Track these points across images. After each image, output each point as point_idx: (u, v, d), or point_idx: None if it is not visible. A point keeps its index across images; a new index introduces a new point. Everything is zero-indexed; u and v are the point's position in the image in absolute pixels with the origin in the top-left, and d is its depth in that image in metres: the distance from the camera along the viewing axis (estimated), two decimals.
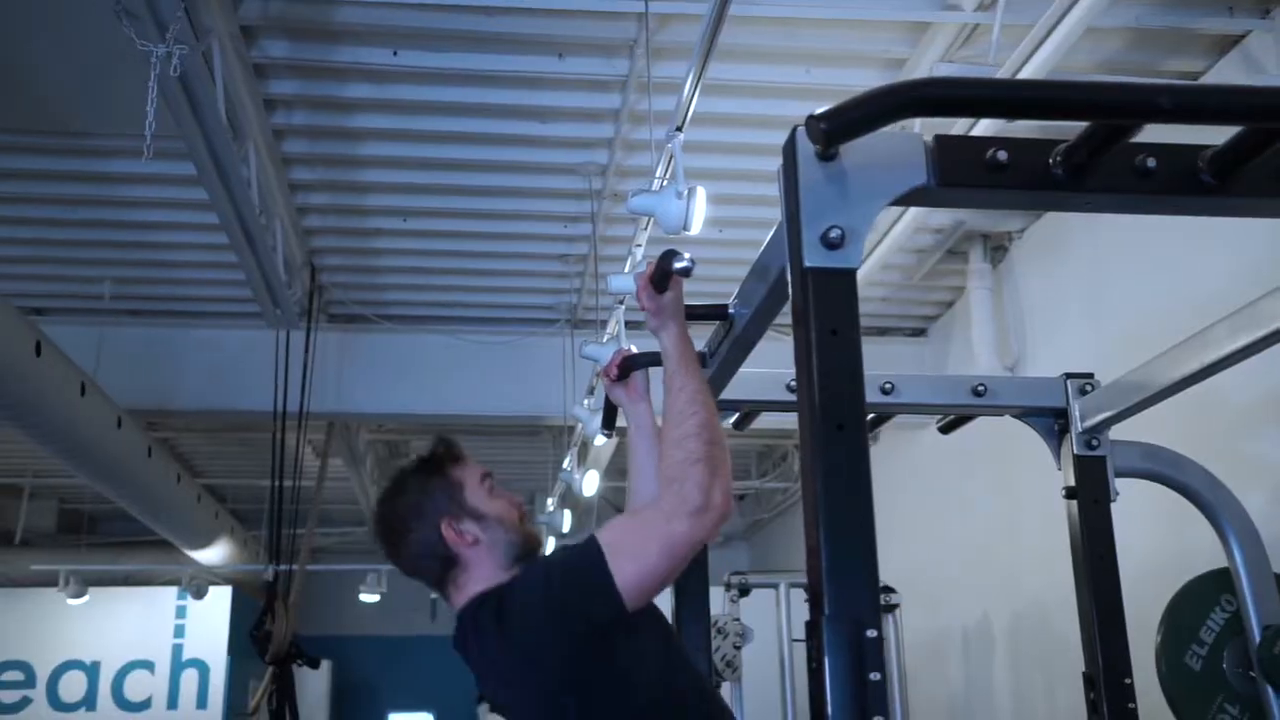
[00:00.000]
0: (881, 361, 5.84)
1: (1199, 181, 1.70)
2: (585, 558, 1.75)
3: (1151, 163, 1.68)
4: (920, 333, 6.03)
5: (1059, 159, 1.65)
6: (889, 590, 5.33)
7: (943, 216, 4.75)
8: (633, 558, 1.76)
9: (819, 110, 1.52)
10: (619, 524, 1.85)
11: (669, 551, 1.74)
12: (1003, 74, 3.27)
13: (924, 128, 3.00)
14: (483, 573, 1.87)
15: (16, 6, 3.29)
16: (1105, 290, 4.39)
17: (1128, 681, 2.65)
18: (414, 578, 1.96)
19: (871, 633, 1.52)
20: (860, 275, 4.43)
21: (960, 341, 5.46)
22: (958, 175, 1.66)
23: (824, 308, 1.62)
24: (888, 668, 5.26)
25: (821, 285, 1.62)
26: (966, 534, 5.47)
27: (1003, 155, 1.65)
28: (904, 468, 6.39)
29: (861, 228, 1.63)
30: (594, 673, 1.75)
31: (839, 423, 1.60)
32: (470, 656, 1.88)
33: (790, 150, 1.62)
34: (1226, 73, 3.68)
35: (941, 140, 1.65)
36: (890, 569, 5.63)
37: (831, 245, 1.64)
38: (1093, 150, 1.62)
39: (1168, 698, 2.81)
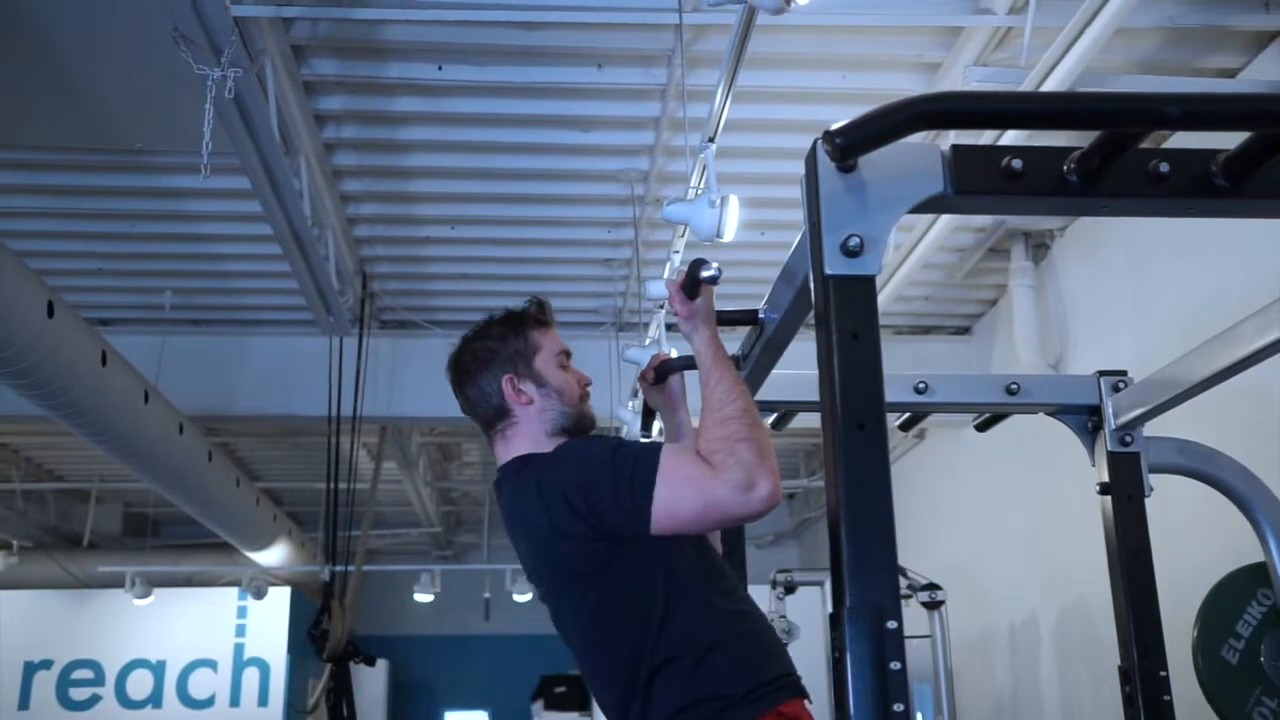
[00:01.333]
0: (926, 360, 5.89)
1: (1212, 185, 1.74)
2: (641, 459, 1.81)
3: (1165, 168, 1.73)
4: (965, 331, 6.04)
5: (1073, 166, 1.70)
6: (935, 587, 5.37)
7: (984, 215, 4.79)
8: (675, 492, 1.79)
9: (834, 126, 1.60)
10: (684, 456, 1.84)
11: (704, 509, 1.79)
12: (1034, 76, 3.32)
13: (942, 137, 3.06)
14: (529, 431, 1.98)
15: (79, 31, 3.44)
16: (1147, 287, 4.40)
17: (1163, 674, 2.68)
18: (469, 415, 2.07)
19: (892, 624, 1.58)
20: (901, 275, 4.55)
21: (1004, 339, 5.47)
22: (974, 183, 1.73)
23: (844, 313, 1.69)
24: (935, 663, 5.31)
25: (842, 291, 1.69)
26: (1013, 531, 5.49)
27: (1018, 164, 1.71)
28: (950, 465, 6.42)
29: (880, 236, 1.71)
30: (619, 555, 1.82)
31: (860, 423, 1.66)
32: (505, 510, 1.99)
33: (811, 162, 1.69)
34: (1265, 68, 3.69)
35: (958, 150, 1.71)
36: (937, 566, 5.71)
37: (851, 253, 1.70)
38: (1105, 157, 1.68)
39: (1205, 691, 2.84)
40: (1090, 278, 4.80)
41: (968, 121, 1.71)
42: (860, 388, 1.67)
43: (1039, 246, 5.09)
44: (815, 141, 1.67)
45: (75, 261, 5.16)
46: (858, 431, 1.66)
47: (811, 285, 1.75)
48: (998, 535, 5.68)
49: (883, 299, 4.94)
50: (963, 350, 5.99)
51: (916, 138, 1.67)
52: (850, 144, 1.59)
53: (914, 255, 4.50)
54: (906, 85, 3.88)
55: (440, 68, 3.80)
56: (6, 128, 4.04)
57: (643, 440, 2.20)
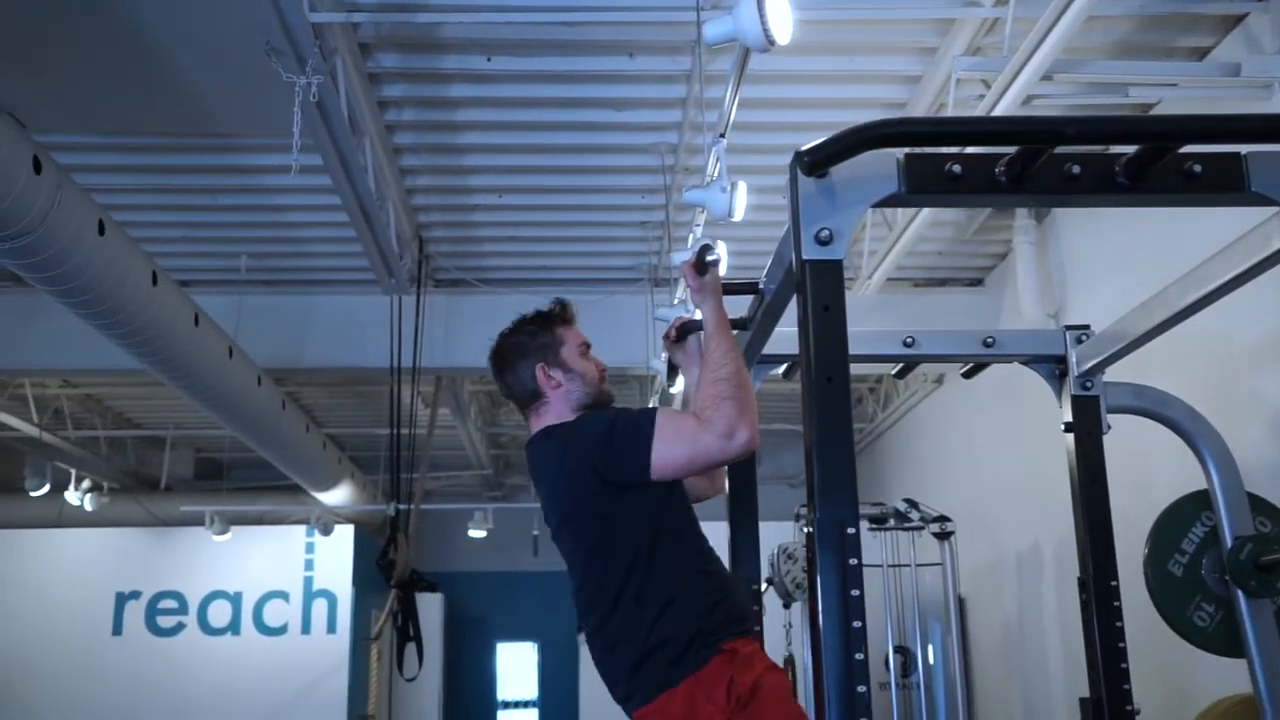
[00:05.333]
0: (941, 310, 6.32)
1: (1115, 183, 2.19)
2: (641, 421, 2.29)
3: (1076, 169, 2.18)
4: (977, 283, 6.45)
5: (1002, 170, 2.16)
6: (945, 519, 5.85)
7: None
8: (668, 445, 2.28)
9: (805, 147, 2.07)
10: (675, 416, 2.34)
11: (692, 456, 2.28)
12: (1016, 60, 3.72)
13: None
14: (557, 408, 2.43)
15: (176, 30, 3.90)
16: (1140, 243, 4.75)
17: (1114, 584, 3.14)
18: (506, 397, 2.54)
19: (850, 530, 2.07)
20: (910, 231, 5.12)
21: (1012, 291, 5.87)
22: (923, 185, 2.18)
23: (818, 289, 2.17)
24: (945, 589, 5.79)
25: (816, 272, 2.17)
26: (1019, 468, 5.91)
27: (957, 168, 2.17)
28: (964, 410, 6.86)
29: (847, 229, 2.18)
30: (617, 506, 2.29)
31: (828, 375, 2.14)
32: (533, 468, 2.47)
33: (792, 169, 2.15)
34: (1233, 48, 4.05)
35: (910, 158, 2.17)
36: (951, 501, 6.19)
37: (823, 242, 2.17)
38: (1026, 163, 2.13)
39: (1153, 599, 3.27)
40: (1088, 235, 5.18)
41: (907, 141, 2.15)
42: (829, 348, 2.15)
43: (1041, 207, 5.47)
44: (795, 155, 2.13)
45: (163, 230, 5.69)
46: (827, 383, 2.14)
47: (793, 267, 2.22)
48: (1006, 473, 6.12)
49: (896, 253, 5.37)
50: (975, 301, 6.39)
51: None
52: (815, 161, 2.06)
53: (920, 216, 4.92)
54: (908, 68, 4.31)
55: (489, 59, 4.26)
56: (107, 113, 4.53)
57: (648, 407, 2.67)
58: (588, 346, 2.55)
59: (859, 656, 1.95)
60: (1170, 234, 4.51)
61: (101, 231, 3.71)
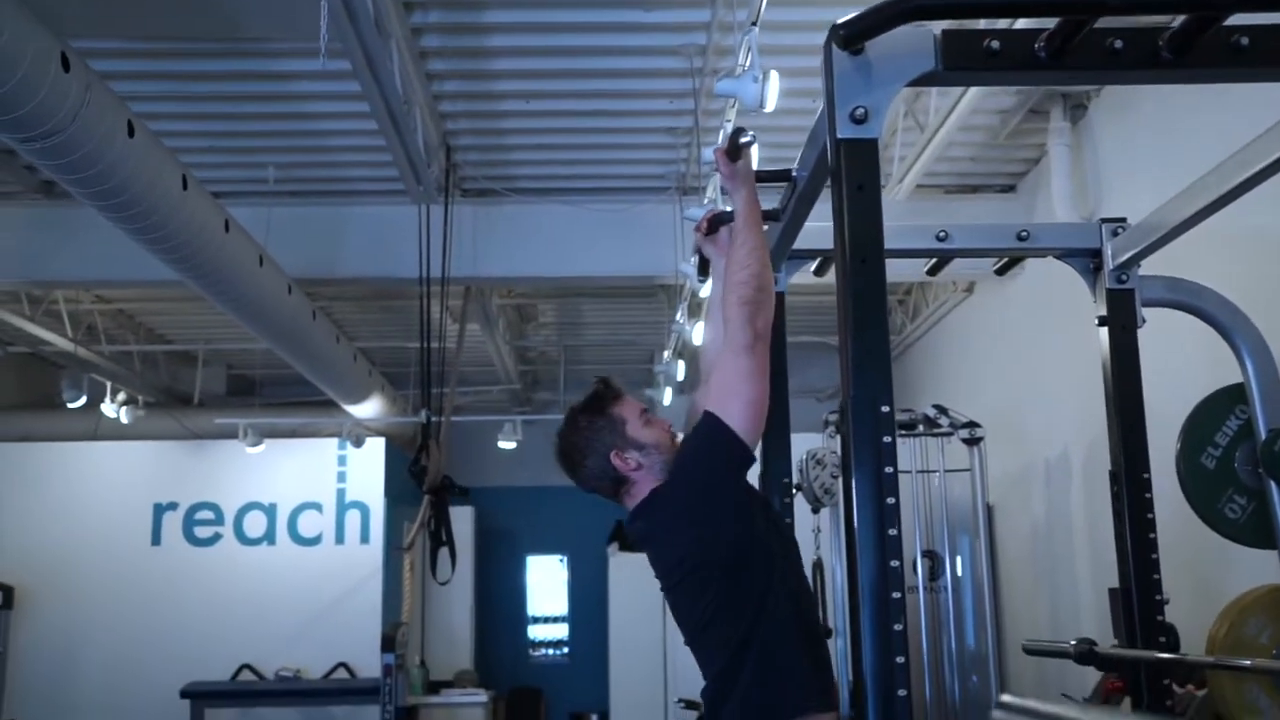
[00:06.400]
0: (972, 217, 6.25)
1: (1159, 58, 2.15)
2: (710, 427, 2.31)
3: (1119, 44, 2.14)
4: (1010, 189, 6.37)
5: (1041, 45, 2.12)
6: (974, 425, 5.86)
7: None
8: (733, 399, 2.32)
9: (841, 20, 2.03)
10: (714, 388, 2.38)
11: (748, 375, 2.31)
12: None
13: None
14: (647, 484, 2.40)
15: None
16: (1176, 145, 4.68)
17: (1145, 476, 3.15)
18: (591, 492, 2.50)
19: (885, 408, 2.08)
20: (940, 136, 5.06)
21: (1045, 196, 5.80)
22: (960, 61, 2.15)
23: (852, 169, 2.16)
24: (973, 494, 5.82)
25: (851, 152, 2.16)
26: (1049, 375, 5.90)
27: (995, 44, 2.14)
28: (995, 317, 6.83)
29: (882, 106, 2.16)
30: (740, 523, 2.31)
31: (862, 257, 2.14)
32: (648, 537, 2.44)
33: (827, 45, 2.12)
34: None
35: (947, 33, 2.14)
36: (982, 408, 6.20)
37: (858, 121, 2.15)
38: (1066, 37, 2.09)
39: (1185, 493, 3.27)
40: (1123, 137, 5.11)
41: (946, 13, 2.12)
42: (864, 228, 2.14)
43: (1077, 107, 5.38)
44: (830, 30, 2.10)
45: (189, 140, 5.68)
46: (861, 264, 2.14)
47: (828, 147, 2.20)
48: (1036, 380, 6.10)
49: (926, 159, 5.32)
50: (1008, 207, 6.32)
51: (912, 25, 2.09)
52: (851, 34, 2.03)
53: (952, 118, 4.85)
54: None
55: None
56: (132, 17, 4.50)
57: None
58: (647, 411, 2.50)
59: (894, 564, 1.96)
60: (1209, 138, 4.42)
61: (131, 133, 3.71)
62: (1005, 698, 0.90)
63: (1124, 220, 3.29)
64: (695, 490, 2.35)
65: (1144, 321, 3.24)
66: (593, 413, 2.45)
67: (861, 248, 2.11)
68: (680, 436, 2.48)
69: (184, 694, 7.34)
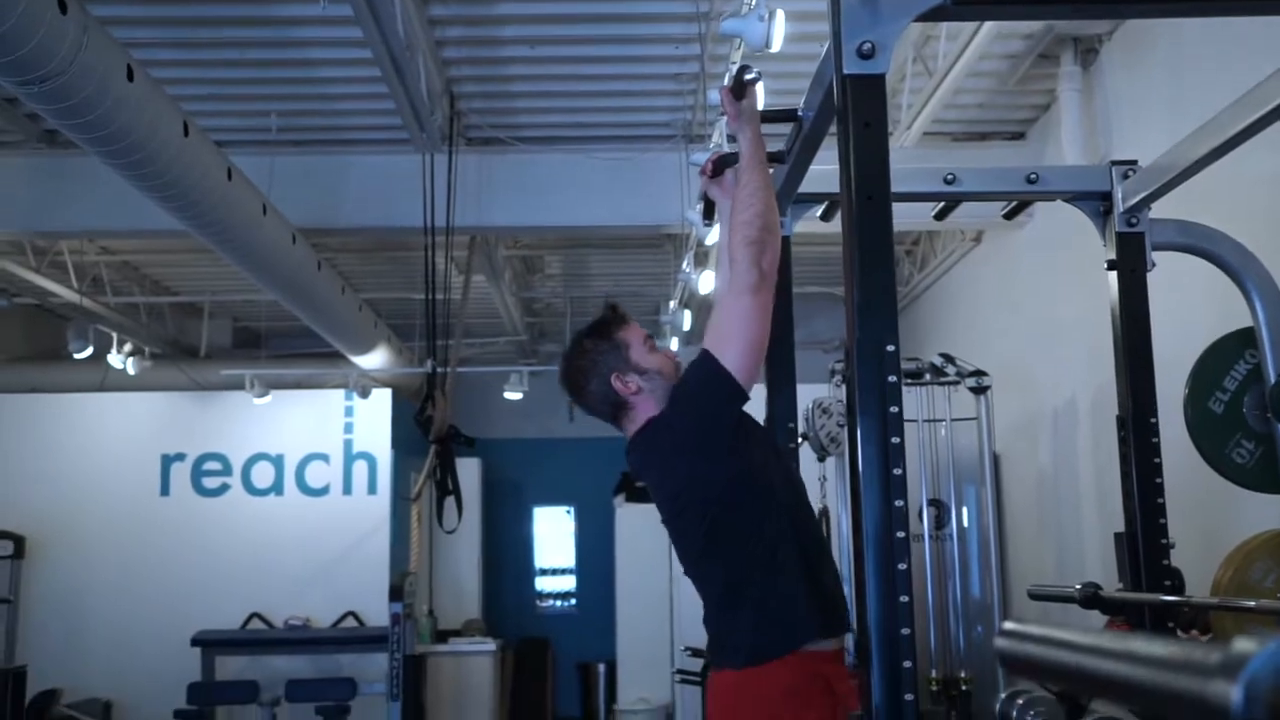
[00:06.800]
0: (981, 164, 6.19)
1: None
2: (704, 365, 2.31)
3: None
4: (1019, 136, 6.30)
5: None
6: (981, 374, 5.84)
7: (1033, 21, 5.02)
8: (732, 340, 2.32)
9: None
10: (711, 325, 2.39)
11: (750, 316, 2.30)
12: None
13: None
14: (646, 411, 2.44)
15: None
16: (1188, 90, 4.62)
17: (1153, 421, 3.13)
18: (593, 415, 2.54)
19: (890, 348, 2.07)
20: (948, 82, 4.99)
21: (1055, 144, 5.74)
22: None
23: (859, 105, 2.12)
24: (980, 443, 5.81)
25: (857, 87, 2.12)
26: (1057, 324, 5.87)
27: None
28: (1004, 266, 6.79)
29: (889, 41, 2.12)
30: (735, 457, 2.33)
31: (869, 194, 2.12)
32: (645, 467, 2.49)
33: None
34: None
35: None
36: (990, 357, 6.17)
37: (865, 56, 2.12)
38: None
39: (1193, 437, 3.26)
40: (1134, 82, 5.03)
41: None
42: (870, 166, 2.11)
43: (1088, 52, 5.31)
44: None
45: (194, 87, 5.64)
46: (867, 201, 2.12)
47: (834, 84, 2.17)
48: (1044, 328, 6.07)
49: (934, 106, 5.25)
50: (1017, 154, 6.25)
51: None
52: None
53: (960, 63, 4.78)
54: None
55: None
56: None
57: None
58: (651, 339, 2.52)
59: (898, 503, 1.95)
60: (1222, 83, 4.36)
61: (130, 77, 3.68)
62: (1008, 624, 0.89)
63: (1135, 163, 3.25)
64: (688, 427, 2.36)
65: (1153, 265, 3.20)
66: (597, 336, 2.48)
67: (868, 186, 2.09)
68: (683, 366, 2.50)
69: (194, 642, 7.41)
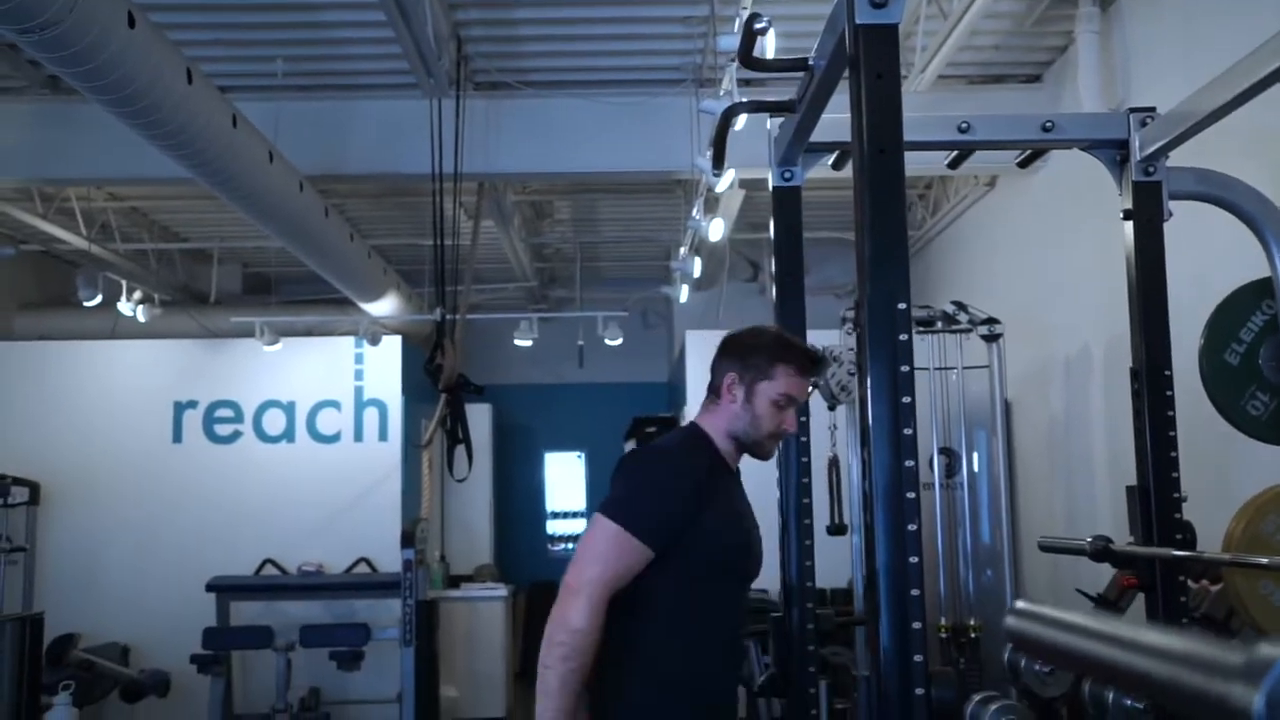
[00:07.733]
0: (996, 108, 6.09)
1: None
2: (614, 509, 2.38)
3: None
4: (1035, 79, 6.20)
5: None
6: (993, 321, 5.80)
7: None
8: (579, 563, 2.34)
9: None
10: (591, 547, 2.37)
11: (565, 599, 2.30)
12: None
13: None
14: (718, 419, 2.49)
15: None
16: (1209, 35, 4.53)
17: (1167, 373, 3.10)
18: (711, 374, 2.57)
19: (901, 305, 2.04)
20: (964, 24, 4.92)
21: (1072, 87, 5.64)
22: None
23: (871, 55, 2.08)
24: (991, 391, 5.79)
25: (870, 37, 2.08)
26: (1071, 271, 5.81)
27: None
28: (1017, 212, 6.72)
29: None
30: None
31: (880, 147, 2.08)
32: (619, 467, 2.50)
33: None
34: None
35: None
36: (1003, 304, 6.13)
37: (877, 4, 2.07)
38: None
39: (1207, 389, 3.23)
40: (1155, 21, 4.93)
41: None
42: (883, 117, 2.07)
43: None
44: None
45: (197, 33, 5.57)
46: (879, 154, 2.08)
47: (846, 33, 2.12)
48: (1058, 275, 6.02)
49: (949, 48, 5.16)
50: (1033, 98, 6.16)
51: None
52: None
53: (977, 4, 4.68)
54: None
55: None
56: None
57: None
58: (792, 401, 2.48)
59: (909, 463, 1.93)
60: (1244, 27, 4.27)
61: (132, 24, 3.62)
62: (1020, 604, 0.88)
63: (1153, 110, 3.18)
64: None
65: (1170, 215, 3.15)
66: (774, 346, 2.50)
67: (880, 138, 2.05)
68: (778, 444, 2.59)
69: (209, 587, 7.47)
